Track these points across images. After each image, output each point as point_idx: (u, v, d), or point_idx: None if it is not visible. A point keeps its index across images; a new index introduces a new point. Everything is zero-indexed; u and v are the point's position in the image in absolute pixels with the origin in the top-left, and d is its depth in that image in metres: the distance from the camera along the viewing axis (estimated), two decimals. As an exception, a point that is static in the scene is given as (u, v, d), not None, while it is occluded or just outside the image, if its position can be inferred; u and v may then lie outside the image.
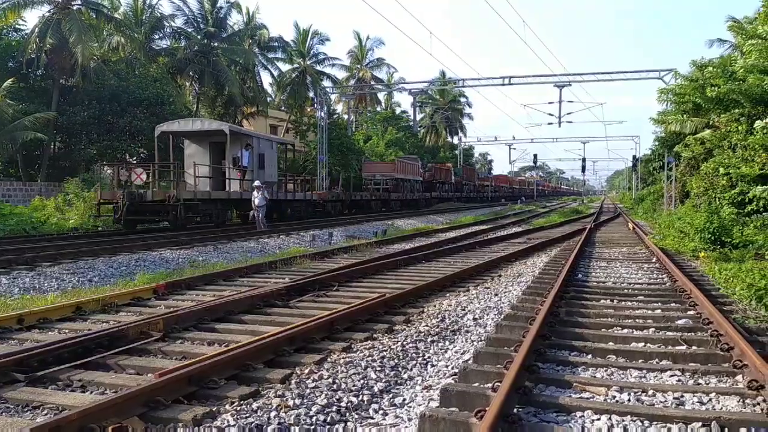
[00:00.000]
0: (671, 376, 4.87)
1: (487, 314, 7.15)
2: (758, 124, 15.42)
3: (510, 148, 75.91)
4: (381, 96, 66.57)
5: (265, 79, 48.43)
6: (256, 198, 19.39)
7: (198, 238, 16.34)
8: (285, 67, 48.68)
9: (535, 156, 70.81)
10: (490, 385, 4.35)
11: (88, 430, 3.59)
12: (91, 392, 4.61)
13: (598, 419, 3.95)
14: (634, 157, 62.76)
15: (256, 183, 19.44)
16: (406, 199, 40.63)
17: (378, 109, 64.79)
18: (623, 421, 3.91)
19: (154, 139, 22.23)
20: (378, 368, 5.08)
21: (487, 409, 3.67)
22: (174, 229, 18.05)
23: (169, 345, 5.78)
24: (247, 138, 21.94)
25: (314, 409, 4.13)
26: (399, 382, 4.89)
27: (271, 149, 23.42)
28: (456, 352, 5.67)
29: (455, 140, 78.98)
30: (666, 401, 4.31)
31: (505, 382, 4.09)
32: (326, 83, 49.55)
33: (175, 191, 17.95)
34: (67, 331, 6.49)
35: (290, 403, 4.20)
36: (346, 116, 54.21)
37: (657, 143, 40.43)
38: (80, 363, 5.11)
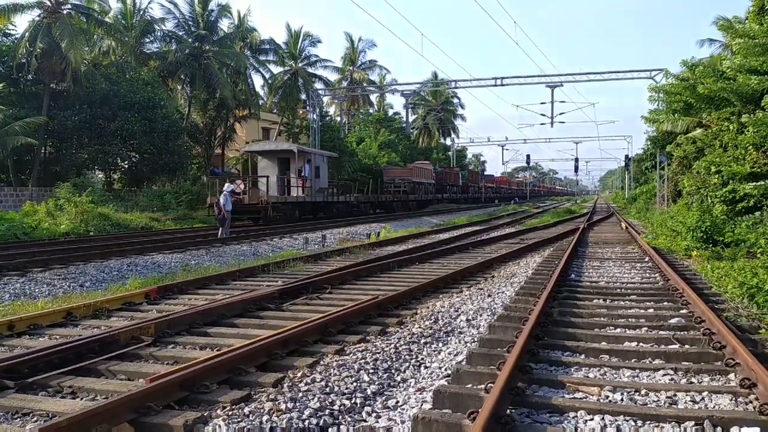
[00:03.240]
0: (664, 375, 4.88)
1: (481, 315, 7.15)
2: (745, 118, 15.49)
3: (503, 149, 76.27)
4: (373, 98, 66.60)
5: (257, 81, 48.56)
6: (227, 202, 18.52)
7: (191, 243, 16.29)
8: (276, 69, 48.58)
9: (528, 156, 71.16)
10: (483, 386, 4.35)
11: (78, 437, 3.56)
12: (82, 398, 4.58)
13: (591, 419, 3.96)
14: (626, 156, 63.07)
15: (226, 187, 19.08)
16: (422, 200, 45.08)
17: (370, 110, 64.81)
18: (616, 421, 3.92)
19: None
20: (371, 371, 5.07)
21: (479, 410, 3.67)
22: (265, 224, 22.91)
23: (160, 350, 5.75)
24: (308, 154, 27.67)
25: (307, 412, 4.11)
26: (392, 384, 4.88)
27: (323, 162, 29.19)
28: (449, 354, 5.67)
29: (448, 141, 79.15)
30: (659, 400, 4.32)
31: (498, 383, 4.09)
32: (318, 85, 49.49)
33: (266, 196, 23.66)
34: (57, 336, 6.45)
35: (282, 407, 4.19)
36: (338, 118, 54.11)
37: (649, 143, 40.62)
38: (71, 369, 5.08)
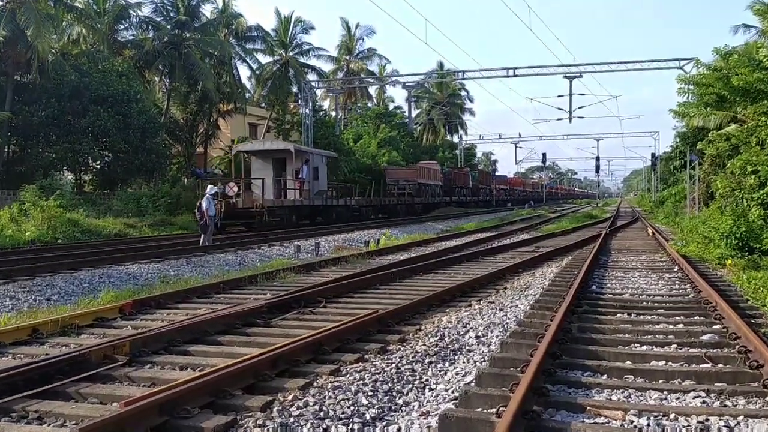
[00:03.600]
0: (695, 397, 4.88)
1: (491, 331, 7.16)
2: None
3: (516, 147, 76.20)
4: (372, 90, 66.76)
5: (243, 73, 48.71)
6: (210, 206, 18.42)
7: (171, 251, 16.30)
8: (265, 59, 48.73)
9: (544, 155, 71.13)
10: (494, 410, 4.35)
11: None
12: (49, 424, 4.59)
13: (614, 447, 3.96)
14: (653, 155, 63.14)
15: (209, 189, 19.07)
16: (428, 203, 45.96)
17: (369, 104, 64.93)
18: (642, 448, 3.92)
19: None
20: (370, 393, 5.08)
21: (490, 437, 3.67)
22: (260, 230, 23.34)
23: (136, 370, 5.75)
24: (306, 154, 28.28)
25: (299, 439, 4.11)
26: (393, 408, 4.88)
27: (322, 162, 29.75)
28: (457, 374, 5.67)
29: (455, 138, 79.21)
30: (689, 426, 4.32)
31: (510, 407, 4.09)
32: (311, 77, 49.62)
33: (261, 200, 24.26)
34: (22, 356, 6.45)
35: (272, 433, 4.19)
36: (333, 113, 54.19)
37: (678, 140, 40.62)
38: (37, 392, 5.08)
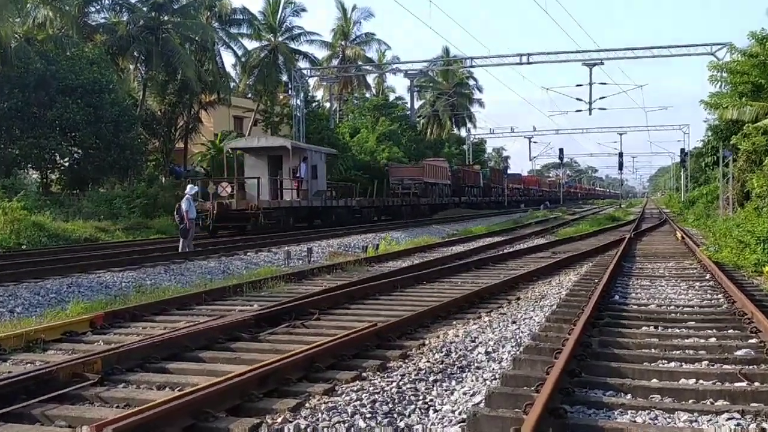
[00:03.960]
0: (729, 419, 4.89)
1: (503, 346, 7.16)
2: None
3: (530, 142, 76.28)
4: (371, 79, 66.84)
5: (228, 60, 48.76)
6: (191, 208, 18.36)
7: (147, 258, 16.30)
8: (252, 45, 48.82)
9: (561, 151, 71.16)
10: (506, 433, 4.35)
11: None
12: (12, 450, 4.59)
13: (639, 474, 3.97)
14: (682, 150, 63.12)
15: (189, 188, 19.06)
16: (435, 203, 46.54)
17: (367, 95, 64.97)
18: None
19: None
20: (368, 415, 5.08)
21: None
22: (254, 233, 23.82)
23: (109, 390, 5.76)
24: (304, 152, 28.64)
25: (289, 466, 4.12)
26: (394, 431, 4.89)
27: (321, 160, 30.19)
28: (464, 394, 5.67)
29: (462, 132, 79.26)
30: (722, 450, 4.33)
31: (524, 431, 4.09)
32: (303, 64, 49.72)
33: (257, 201, 24.59)
34: (-18, 374, 6.45)
35: (259, 459, 4.19)
36: (327, 104, 54.32)
37: (710, 133, 40.66)
38: (-2, 414, 5.08)
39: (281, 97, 51.29)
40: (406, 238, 25.83)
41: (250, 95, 52.97)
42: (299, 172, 27.86)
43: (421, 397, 5.59)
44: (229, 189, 25.60)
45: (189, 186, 19.68)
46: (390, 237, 24.01)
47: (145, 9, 40.14)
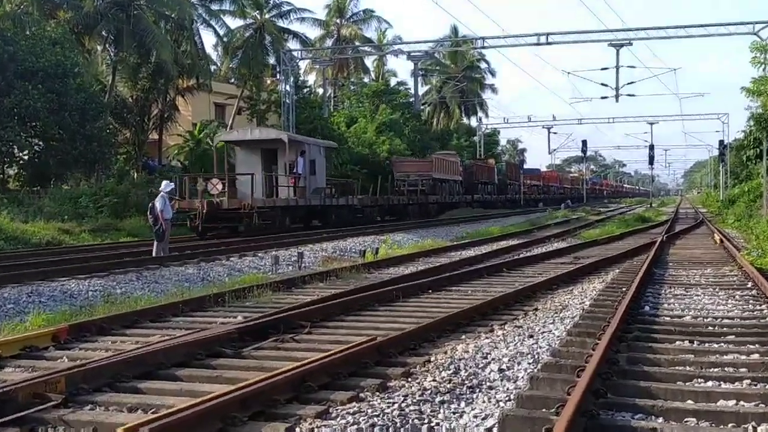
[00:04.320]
0: (773, 445, 4.88)
1: (519, 363, 7.16)
2: None
3: (549, 132, 76.31)
4: (369, 62, 66.96)
5: (208, 40, 48.81)
6: (167, 207, 18.43)
7: (117, 264, 16.30)
8: (235, 23, 48.85)
9: (584, 143, 71.24)
10: (521, 461, 4.35)
11: None
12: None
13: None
14: (720, 142, 63.24)
15: (164, 185, 19.04)
16: (445, 202, 47.55)
17: (365, 80, 65.05)
18: None
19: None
20: (366, 441, 5.07)
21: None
22: (248, 235, 24.39)
23: (74, 412, 5.75)
24: (302, 145, 29.06)
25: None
26: (395, 459, 4.89)
27: (320, 154, 30.82)
28: (475, 417, 5.67)
29: (473, 122, 79.34)
30: (766, 481, 4.32)
31: (542, 458, 4.09)
32: (293, 45, 49.75)
33: (250, 199, 25.03)
34: (-70, 395, 6.44)
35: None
36: (320, 90, 54.37)
37: (752, 123, 40.64)
38: (-51, 439, 5.08)
39: (268, 82, 51.28)
40: (410, 241, 25.84)
41: (233, 80, 53.02)
42: (296, 167, 28.17)
43: (426, 421, 5.58)
44: (219, 186, 26.08)
45: (164, 182, 19.67)
46: (391, 239, 24.02)
47: (114, -18, 40.11)
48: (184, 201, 25.05)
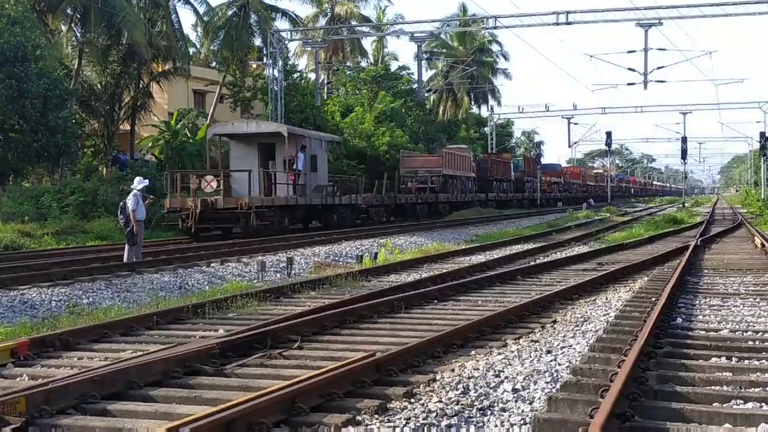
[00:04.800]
0: (821, 474, 4.88)
1: (535, 382, 7.16)
2: None
3: (569, 123, 76.24)
4: (367, 44, 66.91)
5: (186, 19, 48.73)
6: (139, 206, 18.39)
7: (83, 270, 16.30)
8: (217, 0, 48.80)
9: (609, 135, 71.04)
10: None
11: None
12: None
13: None
14: (761, 134, 63.09)
15: (137, 182, 18.99)
16: (457, 201, 48.60)
17: (363, 64, 65.05)
18: None
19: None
20: (364, 469, 5.07)
21: None
22: (244, 237, 25.39)
23: (35, 437, 5.74)
24: (302, 139, 30.11)
25: None
26: (397, 490, 4.89)
27: (321, 149, 31.97)
28: (486, 443, 5.67)
29: (484, 111, 79.35)
30: None
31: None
32: (281, 24, 49.77)
33: (248, 198, 25.91)
34: None
35: None
36: (312, 76, 54.29)
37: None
38: None
39: (254, 66, 51.32)
40: (412, 245, 25.85)
41: (214, 64, 52.96)
42: (296, 163, 28.87)
43: (431, 447, 5.58)
44: (214, 184, 26.75)
45: (137, 179, 19.67)
46: (392, 243, 24.02)
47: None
48: (177, 200, 26.15)
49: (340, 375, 6.98)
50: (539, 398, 6.64)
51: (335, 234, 27.02)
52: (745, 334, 9.26)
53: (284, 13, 51.78)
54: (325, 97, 53.68)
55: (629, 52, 42.81)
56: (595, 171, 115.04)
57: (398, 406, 6.53)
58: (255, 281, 16.41)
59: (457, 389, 6.93)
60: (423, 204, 42.68)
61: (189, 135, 42.72)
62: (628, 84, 46.71)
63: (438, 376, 7.50)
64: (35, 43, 34.23)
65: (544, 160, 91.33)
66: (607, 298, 12.57)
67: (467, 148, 55.72)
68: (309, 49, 55.21)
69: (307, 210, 30.54)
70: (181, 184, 27.65)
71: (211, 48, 50.39)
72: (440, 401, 6.58)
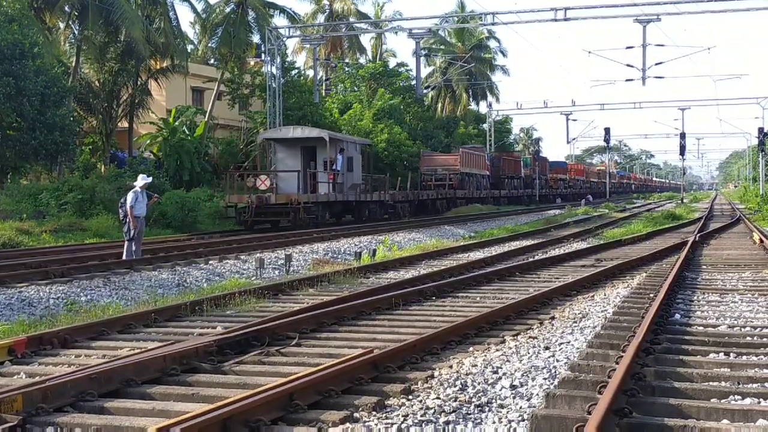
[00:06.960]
0: (819, 470, 4.88)
1: (533, 379, 7.16)
2: None
3: (567, 119, 76.31)
4: (366, 40, 66.84)
5: (185, 16, 48.77)
6: (139, 203, 18.30)
7: (81, 268, 16.28)
8: (214, -3, 48.67)
9: (607, 131, 71.03)
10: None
11: None
12: None
13: None
14: (760, 130, 63.19)
15: (140, 179, 18.92)
16: (473, 197, 51.84)
17: (361, 60, 64.98)
18: None
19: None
20: (361, 466, 5.07)
21: None
22: (293, 229, 28.40)
23: (32, 435, 5.74)
24: (341, 143, 34.25)
25: None
26: (394, 487, 4.88)
27: (356, 151, 35.96)
28: (484, 440, 5.67)
29: (482, 107, 79.27)
30: None
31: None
32: (279, 21, 49.65)
33: (297, 195, 29.97)
34: None
35: None
36: (311, 73, 54.19)
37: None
38: None
39: (252, 63, 51.23)
40: (411, 242, 25.87)
41: (212, 61, 52.94)
42: (336, 164, 32.89)
43: (428, 444, 5.58)
44: (267, 182, 31.11)
45: (140, 176, 19.59)
46: (390, 240, 24.05)
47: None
48: (234, 196, 30.61)
49: (338, 372, 6.98)
50: (537, 395, 6.64)
51: (332, 231, 27.08)
52: (743, 329, 9.27)
53: (282, 10, 51.62)
54: (323, 94, 53.63)
55: (627, 48, 42.78)
56: (597, 168, 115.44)
57: (396, 403, 6.54)
58: (253, 278, 16.41)
59: (455, 386, 6.93)
60: (443, 200, 46.20)
61: (187, 132, 42.68)
62: (627, 80, 46.90)
63: (436, 373, 7.50)
64: (33, 41, 34.14)
65: (543, 156, 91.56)
66: (605, 295, 12.59)
67: (481, 147, 58.99)
68: (307, 46, 55.20)
69: (344, 205, 34.40)
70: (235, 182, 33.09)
71: (209, 45, 50.32)
72: (438, 398, 6.58)
